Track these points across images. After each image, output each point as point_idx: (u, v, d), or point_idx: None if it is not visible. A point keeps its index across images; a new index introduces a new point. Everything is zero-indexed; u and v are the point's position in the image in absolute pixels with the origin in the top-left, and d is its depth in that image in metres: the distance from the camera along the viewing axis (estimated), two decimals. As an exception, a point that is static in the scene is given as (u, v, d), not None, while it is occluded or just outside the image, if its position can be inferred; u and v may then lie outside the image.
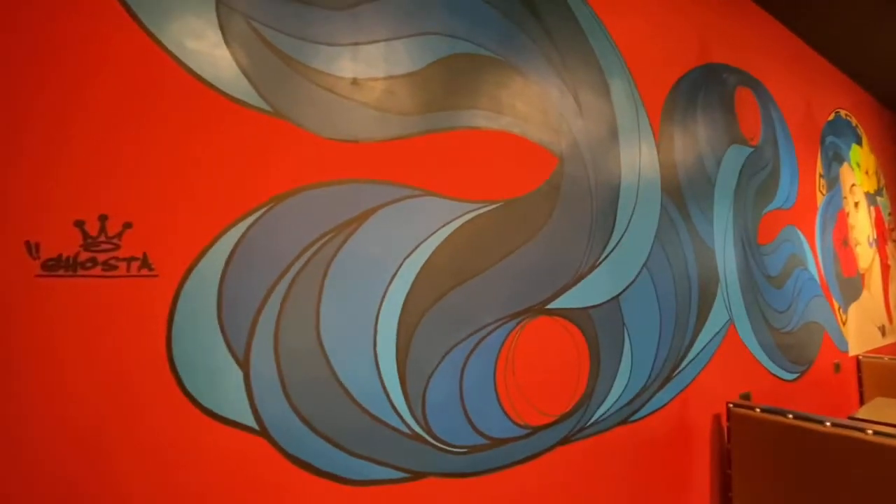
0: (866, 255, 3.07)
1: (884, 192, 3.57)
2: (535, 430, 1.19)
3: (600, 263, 1.43)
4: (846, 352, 2.66)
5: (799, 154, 2.53)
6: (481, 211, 1.18)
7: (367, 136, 1.02)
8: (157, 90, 0.81)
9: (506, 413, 1.14)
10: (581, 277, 1.37)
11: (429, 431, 1.02)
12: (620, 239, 1.51)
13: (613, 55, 1.58)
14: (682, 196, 1.76)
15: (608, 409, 1.38)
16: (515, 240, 1.24)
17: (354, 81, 1.02)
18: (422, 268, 1.05)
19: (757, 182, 2.17)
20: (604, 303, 1.42)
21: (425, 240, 1.07)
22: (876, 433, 1.34)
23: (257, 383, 0.83)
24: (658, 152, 1.70)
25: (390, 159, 1.05)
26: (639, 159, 1.62)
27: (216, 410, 0.80)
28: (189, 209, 0.81)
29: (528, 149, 1.30)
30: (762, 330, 2.04)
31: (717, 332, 1.81)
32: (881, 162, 3.60)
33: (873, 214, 3.29)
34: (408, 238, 1.04)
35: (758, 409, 1.60)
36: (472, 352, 1.11)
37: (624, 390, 1.43)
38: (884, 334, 3.13)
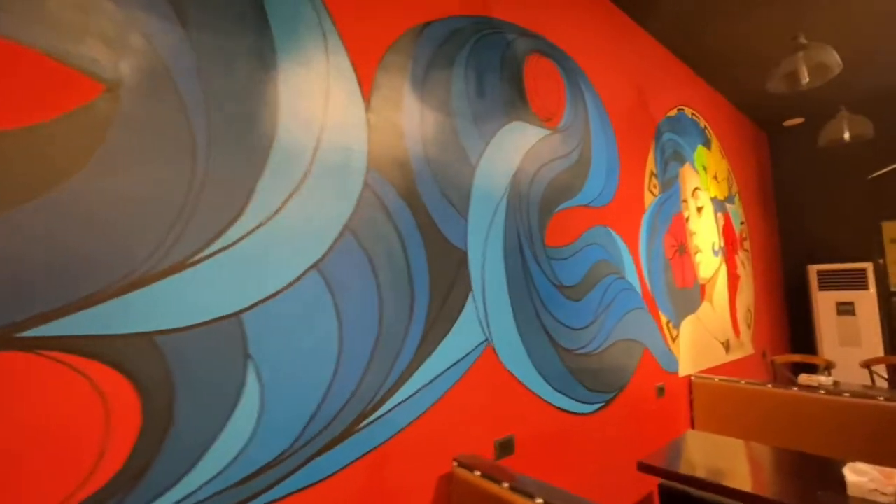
0: (709, 264, 2.85)
1: (736, 199, 3.43)
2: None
3: (203, 259, 0.91)
4: (675, 372, 2.36)
5: (622, 146, 2.21)
6: None
7: None
8: None
9: None
10: (144, 282, 0.84)
11: None
12: (264, 223, 1.00)
13: (280, -40, 1.09)
14: (411, 175, 1.30)
15: (184, 497, 0.85)
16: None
17: None
18: None
19: (553, 171, 1.79)
20: (203, 323, 0.90)
21: None
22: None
23: None
24: (368, 111, 1.22)
25: None
26: (324, 113, 1.13)
27: None
28: None
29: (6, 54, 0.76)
30: (545, 353, 1.63)
31: (462, 359, 1.36)
32: (734, 168, 3.47)
33: (721, 222, 3.10)
34: None
35: (477, 474, 1.15)
36: None
37: (233, 461, 0.91)
38: (728, 350, 2.92)
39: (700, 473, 1.49)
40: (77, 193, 0.79)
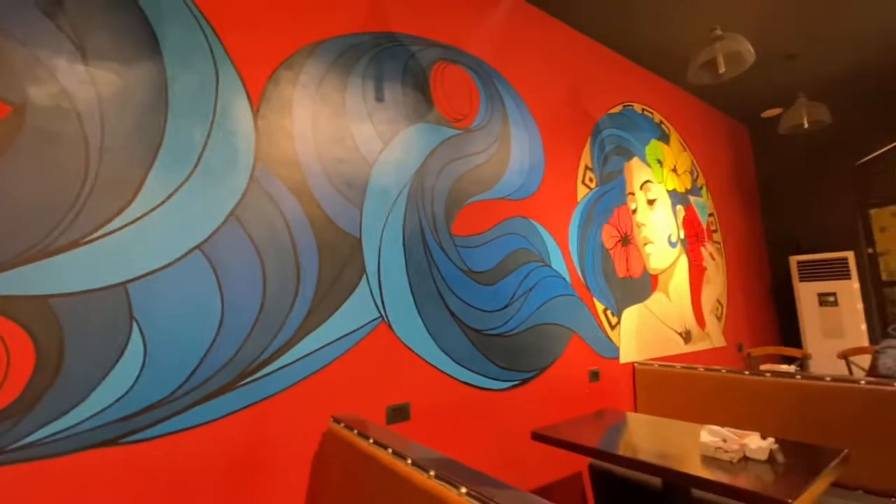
0: (664, 255, 2.90)
1: (702, 191, 3.44)
2: None
3: (95, 238, 1.14)
4: (615, 358, 2.43)
5: (549, 143, 2.34)
6: None
7: None
8: None
9: None
10: (42, 256, 1.08)
11: None
12: (151, 211, 1.23)
13: None
14: (300, 172, 1.51)
15: (73, 425, 1.07)
16: None
17: None
18: None
19: (463, 167, 1.95)
20: (92, 290, 1.13)
21: None
22: (437, 477, 1.03)
23: None
24: (257, 117, 1.45)
25: None
26: (212, 120, 1.36)
27: None
28: None
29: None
30: (448, 331, 1.78)
31: (352, 333, 1.54)
32: (699, 161, 3.48)
33: (682, 214, 3.13)
34: None
35: (342, 425, 1.32)
36: None
37: (117, 401, 1.13)
38: (688, 341, 2.94)
39: (583, 441, 1.60)
40: (-13, 188, 1.04)
